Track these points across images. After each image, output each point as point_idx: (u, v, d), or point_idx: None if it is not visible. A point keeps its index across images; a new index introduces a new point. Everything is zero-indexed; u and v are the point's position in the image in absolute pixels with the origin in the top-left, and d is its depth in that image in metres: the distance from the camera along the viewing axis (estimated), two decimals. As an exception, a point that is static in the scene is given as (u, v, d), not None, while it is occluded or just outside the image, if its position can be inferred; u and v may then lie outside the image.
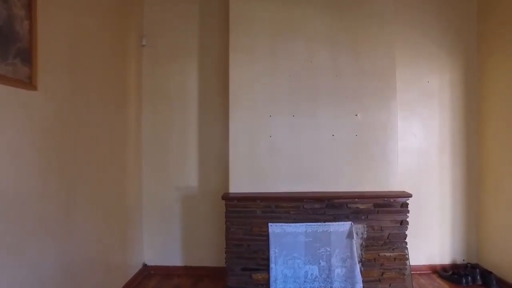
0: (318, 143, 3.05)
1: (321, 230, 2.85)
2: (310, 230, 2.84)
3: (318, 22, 3.08)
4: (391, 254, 2.90)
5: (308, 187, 3.02)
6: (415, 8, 3.44)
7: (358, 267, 2.83)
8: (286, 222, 2.84)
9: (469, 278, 3.21)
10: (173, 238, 3.45)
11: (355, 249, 2.84)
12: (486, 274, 3.21)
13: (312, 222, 2.85)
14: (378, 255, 2.89)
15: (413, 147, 3.45)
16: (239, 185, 2.98)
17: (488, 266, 3.33)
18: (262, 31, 3.05)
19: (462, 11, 3.49)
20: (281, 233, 2.82)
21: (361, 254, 2.87)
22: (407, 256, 2.94)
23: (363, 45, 3.09)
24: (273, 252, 2.79)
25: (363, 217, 2.89)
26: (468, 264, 3.43)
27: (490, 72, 3.33)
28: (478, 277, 3.21)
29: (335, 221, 2.87)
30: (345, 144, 3.07)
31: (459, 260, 3.50)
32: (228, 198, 2.86)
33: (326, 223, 2.86)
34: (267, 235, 2.81)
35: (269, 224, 2.82)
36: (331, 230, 2.85)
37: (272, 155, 3.01)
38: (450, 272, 3.32)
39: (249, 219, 2.85)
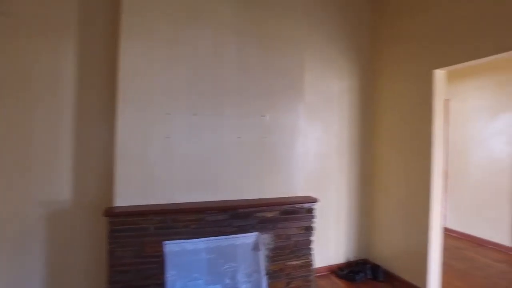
0: (223, 146, 2.72)
1: (225, 244, 2.53)
2: (214, 245, 2.49)
3: (228, 12, 2.74)
4: (297, 262, 2.78)
5: (211, 196, 2.67)
6: (319, 13, 3.41)
7: (264, 280, 2.62)
8: (186, 238, 2.43)
9: (362, 274, 3.37)
10: (31, 273, 2.48)
11: (261, 261, 2.62)
12: (375, 268, 3.42)
13: (216, 236, 2.52)
14: (285, 264, 2.74)
15: (314, 151, 3.43)
16: (127, 197, 2.43)
17: (376, 260, 3.56)
18: (163, 13, 2.54)
19: (359, 23, 3.63)
20: (179, 251, 2.40)
21: (268, 266, 2.67)
22: (312, 262, 2.87)
23: (273, 43, 2.90)
24: (170, 275, 2.35)
25: (270, 226, 2.70)
26: (359, 261, 3.62)
27: (382, 81, 3.54)
28: (369, 272, 3.40)
29: (241, 233, 2.59)
30: (252, 147, 2.82)
31: (352, 258, 3.66)
32: (112, 214, 2.28)
33: (232, 236, 2.56)
34: (163, 256, 2.36)
35: (165, 242, 2.37)
36: (237, 243, 2.57)
37: (169, 160, 2.55)
38: (346, 271, 3.43)
39: (140, 238, 2.33)
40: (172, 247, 2.37)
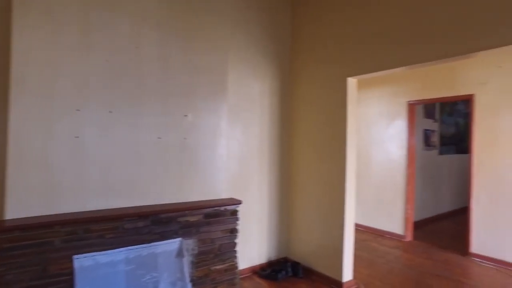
0: (142, 147, 2.52)
1: (146, 254, 2.33)
2: (133, 256, 2.27)
3: (150, 2, 2.56)
4: (222, 266, 2.72)
5: (129, 201, 2.44)
6: (242, 13, 3.44)
7: (189, 287, 2.49)
8: (101, 250, 2.16)
9: (284, 272, 3.47)
10: None
11: (185, 268, 2.49)
12: (295, 265, 3.56)
13: (136, 244, 2.30)
14: (210, 269, 2.65)
15: (236, 152, 3.42)
16: (24, 207, 2.05)
17: (296, 258, 3.72)
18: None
19: (281, 26, 3.78)
20: (92, 266, 2.12)
21: (192, 272, 2.55)
22: (237, 265, 2.84)
23: (197, 40, 2.81)
24: (80, 294, 2.06)
25: (194, 231, 2.58)
26: (280, 260, 3.74)
27: (301, 84, 3.74)
28: (289, 269, 3.52)
29: (163, 240, 2.42)
30: (173, 148, 2.67)
31: (273, 257, 3.75)
32: (2, 230, 1.89)
33: (153, 244, 2.37)
34: (72, 273, 2.05)
35: (75, 257, 2.07)
36: (159, 251, 2.39)
37: (79, 163, 2.24)
38: (268, 271, 3.49)
39: (42, 256, 1.98)
40: (83, 262, 2.08)
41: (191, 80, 2.77)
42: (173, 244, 2.46)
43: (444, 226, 5.72)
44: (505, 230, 3.90)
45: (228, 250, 2.77)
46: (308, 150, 3.62)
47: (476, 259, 4.09)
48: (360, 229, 5.35)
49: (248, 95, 3.52)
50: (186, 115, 2.74)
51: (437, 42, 2.46)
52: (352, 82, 3.19)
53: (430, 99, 4.70)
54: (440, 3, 2.46)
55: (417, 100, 4.83)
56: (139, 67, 2.50)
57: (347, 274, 3.21)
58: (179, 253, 2.48)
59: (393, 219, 5.04)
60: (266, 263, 3.68)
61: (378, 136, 5.31)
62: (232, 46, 3.29)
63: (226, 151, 3.07)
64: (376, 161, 5.32)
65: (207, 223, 2.67)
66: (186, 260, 2.51)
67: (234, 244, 2.82)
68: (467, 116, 6.75)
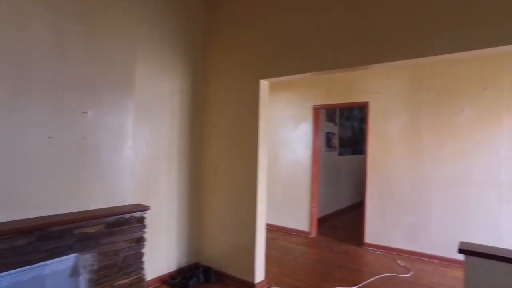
0: (28, 148, 2.10)
1: (28, 278, 1.94)
2: (9, 283, 1.86)
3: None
4: (127, 280, 2.46)
5: (8, 215, 2.00)
6: (152, 5, 3.17)
7: (85, 310, 2.17)
8: (-38, 279, 1.71)
9: (195, 279, 3.32)
10: None
11: (82, 288, 2.16)
12: (207, 270, 3.45)
13: (15, 268, 1.89)
14: (112, 286, 2.36)
15: (143, 154, 3.14)
16: None
17: (208, 263, 3.61)
18: None
19: (193, 24, 3.61)
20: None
21: (90, 292, 2.23)
22: (144, 277, 2.59)
23: (101, 27, 2.47)
24: None
25: (93, 244, 2.26)
26: (191, 266, 3.58)
27: (213, 85, 3.64)
28: (201, 275, 3.40)
29: (54, 258, 2.05)
30: (69, 149, 2.30)
31: (183, 264, 3.57)
32: None
33: (39, 264, 1.99)
34: None
35: None
36: (46, 272, 2.01)
37: None
38: (179, 278, 3.30)
39: None
40: None
41: (93, 72, 2.43)
42: (66, 261, 2.11)
43: (343, 220, 6.31)
44: (391, 221, 4.47)
45: (134, 262, 2.52)
46: (220, 151, 3.54)
47: (369, 248, 4.59)
48: (268, 228, 5.50)
49: (158, 93, 3.26)
50: (85, 112, 2.39)
51: (340, 54, 2.67)
52: (264, 84, 3.23)
53: (333, 104, 5.11)
54: (342, 20, 2.66)
55: (322, 105, 5.20)
56: (26, 52, 2.07)
57: (259, 275, 3.24)
58: (74, 272, 2.14)
59: (299, 217, 5.33)
60: (176, 270, 3.48)
61: (286, 137, 5.56)
62: (142, 40, 3.02)
63: (133, 153, 2.79)
64: (284, 161, 5.56)
65: (110, 234, 2.37)
66: (83, 279, 2.18)
67: (141, 255, 2.57)
68: (361, 121, 7.61)
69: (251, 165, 3.23)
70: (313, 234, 5.20)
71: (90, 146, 2.42)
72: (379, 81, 4.61)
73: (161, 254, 3.33)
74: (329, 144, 6.40)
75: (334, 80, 5.00)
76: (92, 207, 2.42)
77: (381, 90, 4.59)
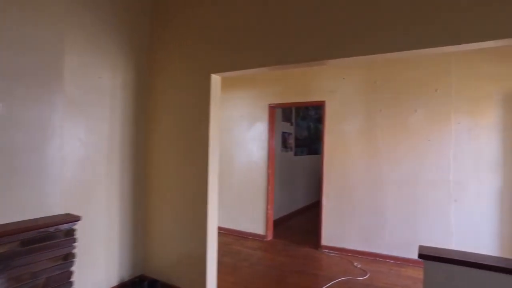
0: None
1: None
2: None
3: None
4: (51, 306, 2.06)
5: None
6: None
7: None
8: None
9: (139, 294, 2.99)
10: None
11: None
12: (153, 283, 3.13)
13: None
14: (29, 315, 1.96)
15: (77, 155, 2.72)
16: None
17: (154, 275, 3.27)
18: None
19: (140, 11, 3.24)
20: None
21: (-1, 325, 1.82)
22: (72, 300, 2.22)
23: (24, 6, 2.06)
24: None
25: (1, 267, 1.85)
26: (135, 279, 3.23)
27: (161, 80, 3.30)
28: (146, 289, 3.07)
29: None
30: (-30, 150, 1.87)
31: (126, 277, 3.20)
32: None
33: None
34: None
35: None
36: None
37: None
38: (120, 295, 2.94)
39: None
40: None
41: (8, 58, 2.01)
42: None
43: (299, 222, 6.23)
44: (347, 222, 4.43)
45: (60, 283, 2.13)
46: (168, 152, 3.22)
47: (325, 250, 4.51)
48: (222, 232, 5.25)
49: (96, 87, 2.86)
50: (-6, 104, 1.96)
51: (294, 48, 2.51)
52: (216, 79, 2.97)
53: (289, 103, 4.98)
54: (297, 13, 2.50)
55: (277, 104, 5.04)
56: None
57: (211, 285, 2.98)
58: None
59: (254, 220, 5.13)
60: (117, 286, 3.09)
61: (241, 137, 5.34)
62: (73, 23, 2.61)
63: (63, 154, 2.39)
64: (238, 162, 5.33)
65: (27, 252, 1.97)
66: (-12, 310, 1.77)
67: (69, 274, 2.19)
68: (317, 121, 7.62)
69: (201, 167, 2.95)
70: (269, 237, 5.03)
71: (3, 145, 2.00)
72: (335, 80, 4.55)
73: (99, 268, 2.93)
74: (285, 144, 6.29)
75: (291, 79, 4.87)
76: (6, 220, 2.00)
77: (337, 89, 4.54)
